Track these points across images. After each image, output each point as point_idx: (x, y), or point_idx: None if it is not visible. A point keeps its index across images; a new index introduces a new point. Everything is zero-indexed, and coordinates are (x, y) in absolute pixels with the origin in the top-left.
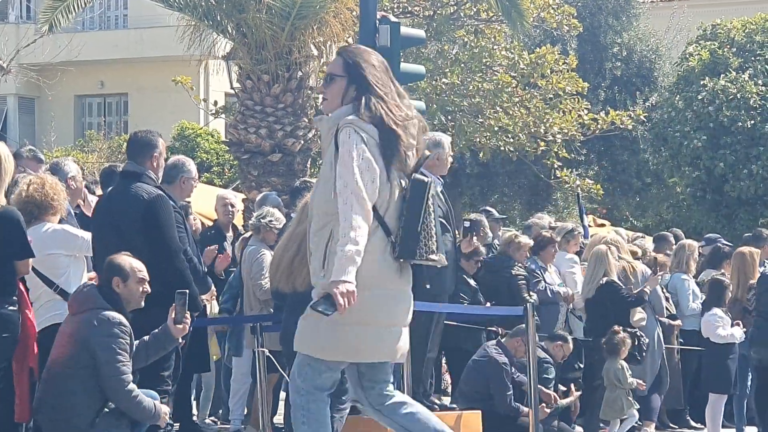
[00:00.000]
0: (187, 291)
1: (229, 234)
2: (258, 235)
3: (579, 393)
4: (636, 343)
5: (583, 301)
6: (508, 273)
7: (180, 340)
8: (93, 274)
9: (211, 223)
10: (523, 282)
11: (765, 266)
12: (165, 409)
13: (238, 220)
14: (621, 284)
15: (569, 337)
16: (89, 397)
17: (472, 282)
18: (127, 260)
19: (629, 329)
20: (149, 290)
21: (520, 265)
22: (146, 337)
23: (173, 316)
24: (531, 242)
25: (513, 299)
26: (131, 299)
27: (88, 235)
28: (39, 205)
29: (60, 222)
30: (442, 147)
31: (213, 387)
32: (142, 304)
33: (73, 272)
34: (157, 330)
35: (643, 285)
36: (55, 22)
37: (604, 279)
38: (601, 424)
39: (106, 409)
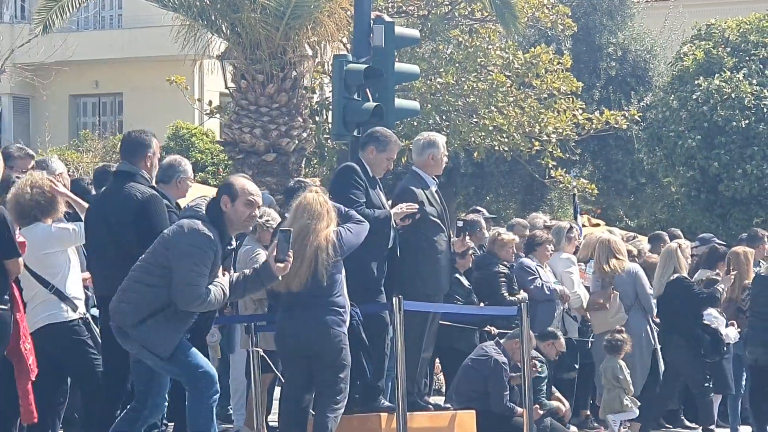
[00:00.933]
0: (291, 229)
1: None
2: (254, 234)
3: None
4: (715, 337)
5: (652, 298)
6: (489, 271)
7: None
8: (87, 274)
9: None
10: (503, 280)
11: (759, 266)
12: (224, 280)
13: None
14: (692, 281)
15: (559, 333)
16: (150, 295)
17: (466, 283)
18: (241, 181)
19: (706, 325)
20: (258, 215)
21: (505, 263)
22: (246, 270)
23: (275, 254)
24: (515, 238)
25: (494, 297)
26: (236, 220)
27: (77, 225)
28: (43, 209)
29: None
30: (437, 147)
31: None
32: (249, 229)
33: (69, 272)
34: (258, 265)
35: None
36: (49, 22)
37: (674, 275)
38: (596, 424)
39: (160, 317)
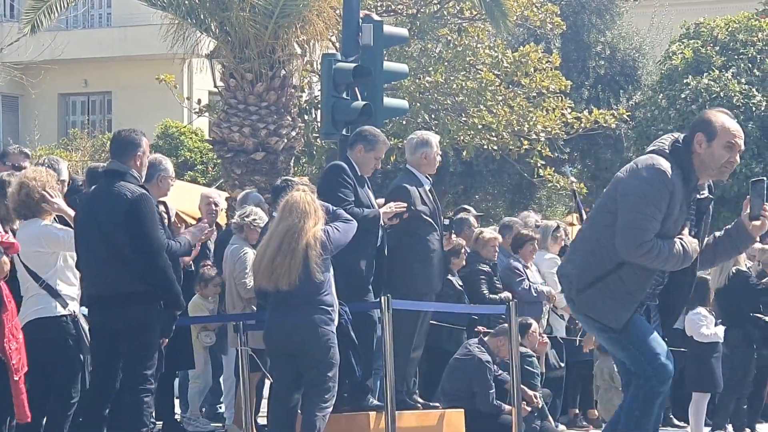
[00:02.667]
0: (764, 179)
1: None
2: (240, 233)
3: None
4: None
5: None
6: (471, 269)
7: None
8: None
9: (195, 222)
10: (483, 278)
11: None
12: (690, 240)
13: (222, 219)
14: (751, 273)
15: (529, 320)
16: (598, 251)
17: (457, 283)
18: (720, 118)
19: (758, 318)
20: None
21: (486, 262)
22: (718, 233)
23: (747, 211)
24: (496, 236)
25: (475, 296)
26: (710, 164)
27: (70, 232)
28: (33, 210)
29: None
30: (430, 146)
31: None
32: (726, 177)
33: (61, 271)
34: (730, 227)
35: None
36: (37, 22)
37: (735, 268)
38: (585, 423)
39: (611, 279)
